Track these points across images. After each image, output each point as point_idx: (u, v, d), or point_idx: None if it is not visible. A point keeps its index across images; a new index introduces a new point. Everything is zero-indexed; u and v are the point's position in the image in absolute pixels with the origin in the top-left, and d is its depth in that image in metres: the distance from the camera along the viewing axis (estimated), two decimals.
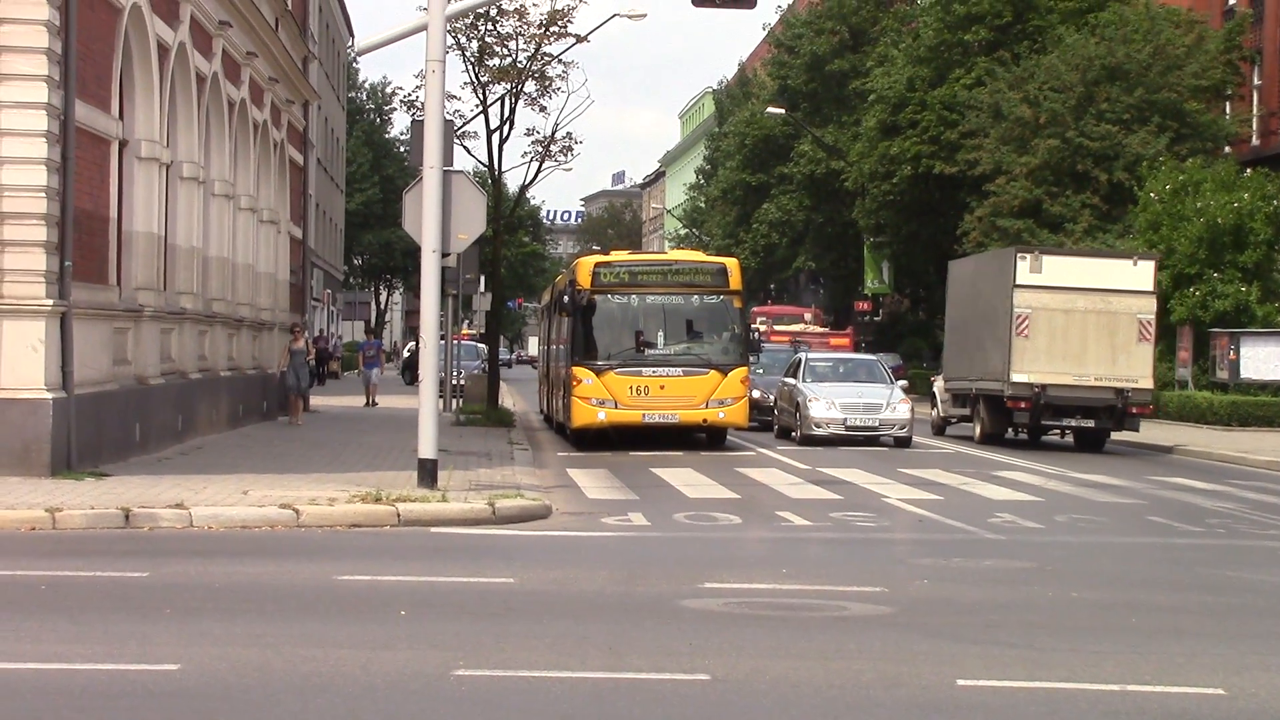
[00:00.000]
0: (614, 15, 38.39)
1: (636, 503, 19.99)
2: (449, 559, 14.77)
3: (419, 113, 35.18)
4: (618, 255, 33.42)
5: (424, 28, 20.20)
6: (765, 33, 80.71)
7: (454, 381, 39.91)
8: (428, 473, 19.28)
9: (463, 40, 35.07)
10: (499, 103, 36.52)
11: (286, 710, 8.47)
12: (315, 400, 40.02)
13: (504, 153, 36.92)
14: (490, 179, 37.52)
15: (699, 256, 33.47)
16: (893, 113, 56.58)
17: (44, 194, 19.33)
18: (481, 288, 44.22)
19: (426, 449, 19.39)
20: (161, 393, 24.79)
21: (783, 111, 66.64)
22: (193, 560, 14.00)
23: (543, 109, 37.19)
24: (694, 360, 29.55)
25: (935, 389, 36.70)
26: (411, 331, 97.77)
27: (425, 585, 12.82)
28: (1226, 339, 40.44)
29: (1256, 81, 50.65)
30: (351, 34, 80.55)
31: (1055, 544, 16.66)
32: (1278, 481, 25.23)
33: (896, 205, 57.96)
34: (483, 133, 36.90)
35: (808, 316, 54.37)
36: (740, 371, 29.60)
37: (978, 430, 33.25)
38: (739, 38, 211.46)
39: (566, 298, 30.30)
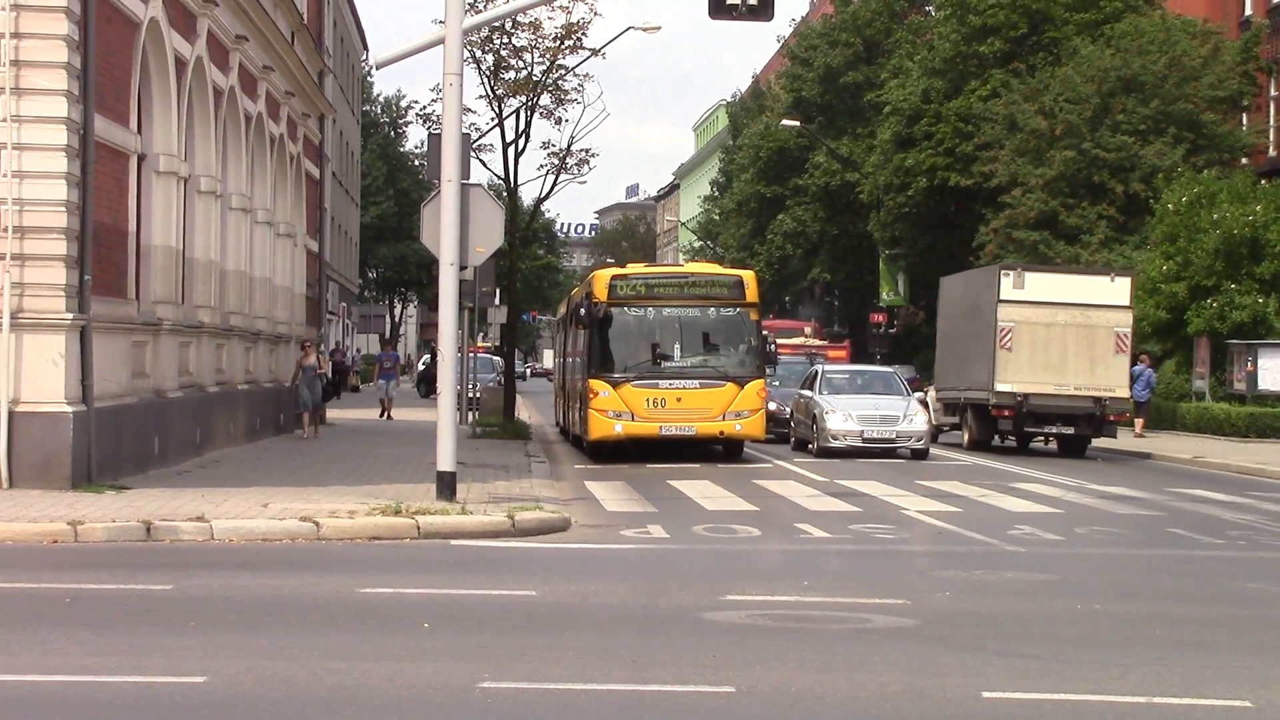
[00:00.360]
0: (629, 28, 38.49)
1: (655, 515, 19.98)
2: (470, 571, 14.77)
3: (435, 126, 35.26)
4: (634, 268, 33.45)
5: (441, 41, 20.21)
6: (779, 45, 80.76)
7: (470, 394, 39.93)
8: (446, 485, 19.27)
9: (478, 54, 35.17)
10: (514, 116, 36.62)
11: None
12: (331, 413, 40.09)
13: (520, 166, 36.97)
14: (506, 192, 37.56)
15: (715, 269, 33.48)
16: (908, 125, 56.59)
17: (64, 208, 19.40)
18: (496, 300, 44.25)
19: (445, 462, 19.39)
20: (180, 406, 24.84)
21: (797, 124, 66.67)
22: (215, 573, 14.02)
23: (558, 122, 37.30)
24: (711, 373, 29.56)
25: (928, 398, 36.88)
26: (426, 344, 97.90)
27: (448, 598, 12.82)
28: (1244, 350, 40.35)
29: (1273, 92, 50.61)
30: (366, 48, 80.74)
31: (1076, 556, 16.63)
32: None
33: (912, 217, 57.96)
34: (498, 146, 37.00)
35: (807, 330, 54.34)
36: (757, 384, 29.60)
37: (966, 437, 34.60)
38: (752, 51, 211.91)
39: (583, 310, 30.32)
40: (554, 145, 38.24)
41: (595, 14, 35.55)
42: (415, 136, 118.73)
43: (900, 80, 59.04)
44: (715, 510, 20.68)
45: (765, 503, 21.84)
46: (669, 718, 8.70)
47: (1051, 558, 16.37)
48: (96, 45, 20.05)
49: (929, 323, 69.12)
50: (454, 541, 16.84)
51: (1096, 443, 33.78)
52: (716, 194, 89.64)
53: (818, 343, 51.10)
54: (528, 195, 55.62)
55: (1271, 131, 50.35)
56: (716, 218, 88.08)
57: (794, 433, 34.14)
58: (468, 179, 21.70)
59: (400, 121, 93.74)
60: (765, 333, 30.92)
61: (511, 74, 35.90)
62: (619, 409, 29.06)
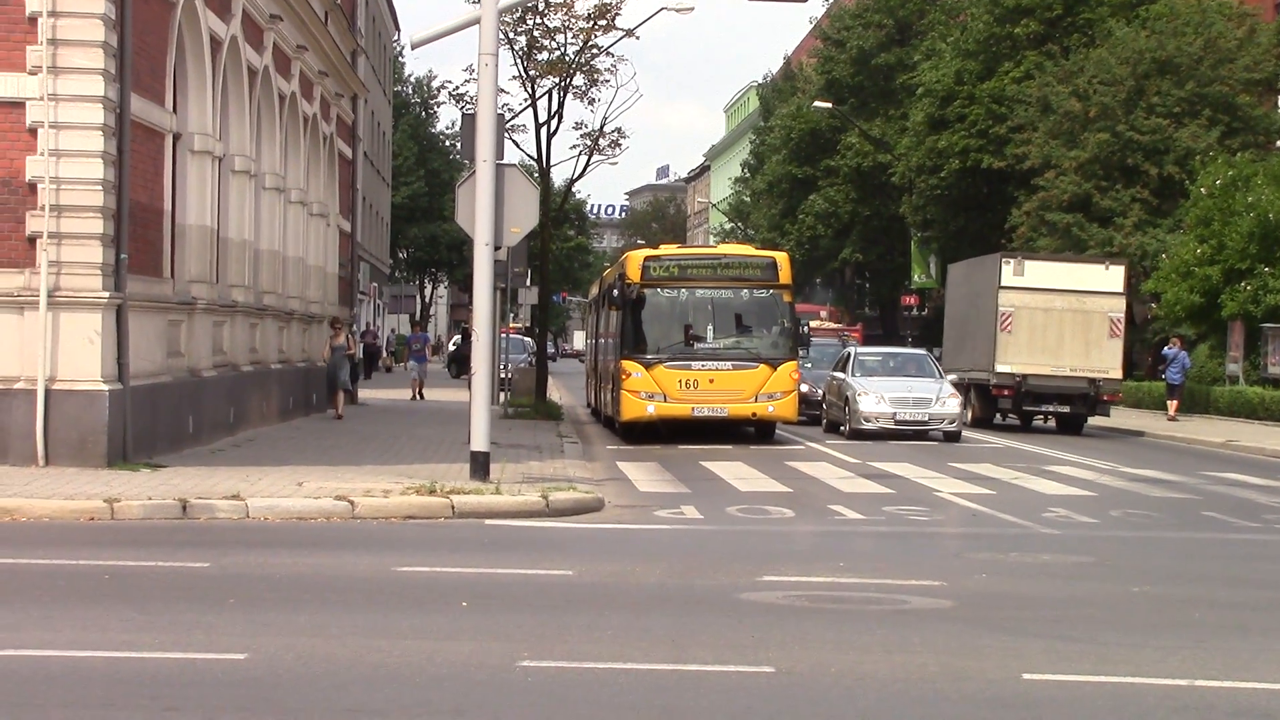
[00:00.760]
0: (661, 9, 38.33)
1: (688, 496, 19.98)
2: (505, 551, 14.79)
3: (468, 106, 35.30)
4: (667, 249, 33.40)
5: (476, 21, 20.20)
6: (811, 26, 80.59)
7: (502, 375, 39.96)
8: (480, 465, 19.30)
9: (511, 34, 35.09)
10: (547, 96, 36.59)
11: (355, 700, 8.49)
12: (362, 394, 40.20)
13: (552, 146, 36.93)
14: (539, 173, 37.54)
15: (748, 250, 33.40)
16: (940, 106, 56.41)
17: (101, 187, 19.46)
18: (528, 281, 44.24)
19: (479, 442, 19.41)
20: (214, 385, 24.92)
21: (830, 105, 66.50)
22: (252, 551, 14.08)
23: (591, 102, 37.25)
24: (743, 354, 29.53)
25: None
26: (457, 325, 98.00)
27: (485, 577, 12.84)
28: (1278, 334, 40.12)
29: None
30: (398, 28, 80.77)
31: (1111, 539, 16.58)
32: None
33: (944, 199, 57.78)
34: (531, 127, 36.99)
35: (823, 314, 54.30)
36: (789, 365, 29.56)
37: (969, 415, 35.51)
38: (784, 32, 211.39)
39: (616, 291, 30.30)
40: (586, 126, 38.23)
41: None
42: (446, 117, 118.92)
43: (933, 62, 58.82)
44: (748, 491, 20.67)
45: (798, 484, 21.83)
46: (709, 698, 8.69)
47: (1086, 540, 16.32)
48: (133, 24, 20.10)
49: None
50: (488, 521, 16.86)
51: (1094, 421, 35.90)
52: (747, 175, 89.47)
53: (834, 326, 51.03)
54: (559, 176, 55.57)
55: None
56: (747, 199, 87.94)
57: (826, 415, 34.10)
58: (501, 159, 21.70)
59: (431, 102, 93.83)
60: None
61: (544, 55, 35.84)
62: (651, 390, 29.05)
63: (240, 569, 12.99)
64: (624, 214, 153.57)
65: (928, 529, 17.37)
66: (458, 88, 42.49)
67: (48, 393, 19.41)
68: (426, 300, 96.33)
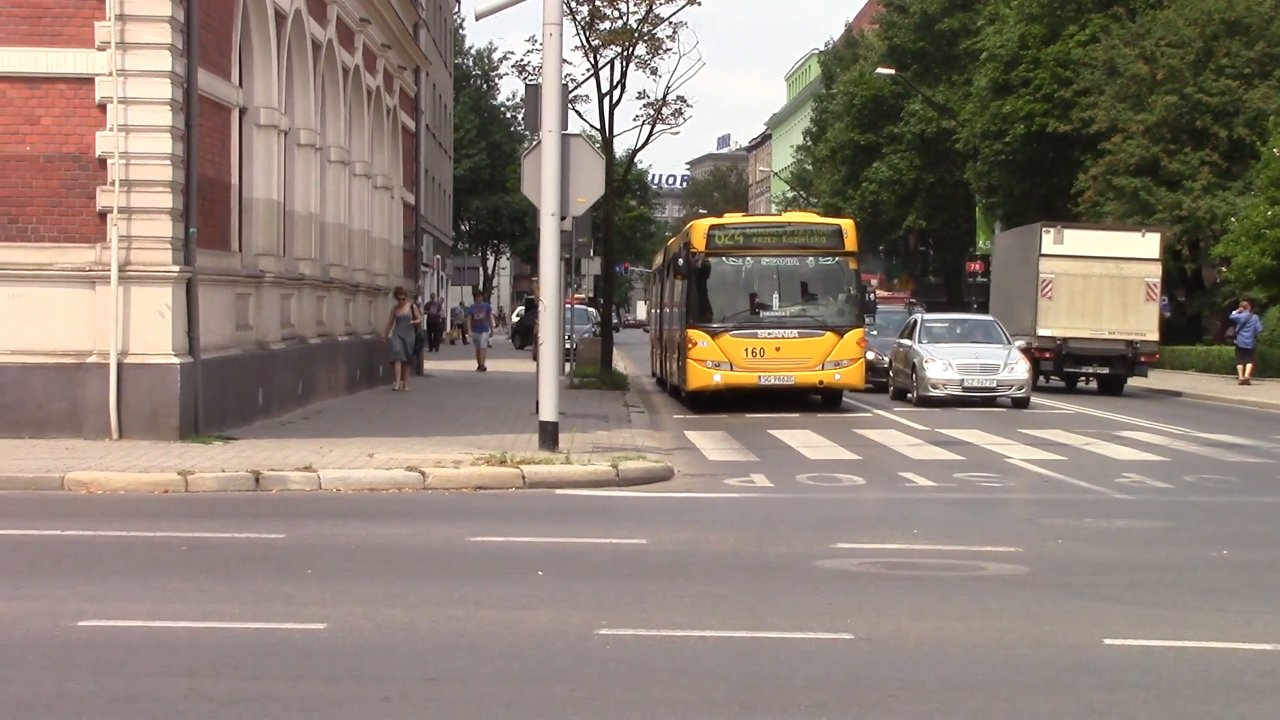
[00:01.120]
0: None
1: (757, 464, 19.93)
2: (578, 520, 14.80)
3: (531, 77, 35.33)
4: (731, 218, 33.27)
5: None
6: None
7: (567, 345, 39.99)
8: (549, 435, 19.32)
9: (573, 4, 35.02)
10: (609, 66, 36.52)
11: (436, 669, 8.51)
12: (428, 365, 40.31)
13: (615, 116, 36.85)
14: (601, 142, 37.47)
15: (813, 218, 33.23)
16: (1005, 71, 55.88)
17: (169, 162, 19.58)
18: (590, 252, 44.18)
19: (548, 412, 19.43)
20: (282, 357, 25.05)
21: (893, 71, 66.07)
22: (326, 522, 14.15)
23: (653, 71, 37.13)
24: (810, 322, 29.38)
25: None
26: (520, 296, 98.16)
27: (558, 546, 12.86)
28: None
29: None
30: (458, 0, 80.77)
31: (1187, 504, 16.41)
32: None
33: (1009, 165, 57.27)
34: (593, 97, 36.92)
35: (874, 282, 54.06)
36: (856, 333, 29.40)
37: None
38: None
39: (681, 260, 30.22)
40: (649, 96, 38.13)
41: None
42: (507, 89, 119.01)
43: (997, 26, 58.28)
44: (817, 459, 20.59)
45: (867, 451, 21.74)
46: (789, 664, 8.66)
47: (1162, 505, 16.17)
48: None
49: None
50: (559, 491, 16.88)
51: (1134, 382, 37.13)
52: (809, 143, 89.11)
53: (883, 294, 50.79)
54: (620, 146, 55.43)
55: None
56: (809, 167, 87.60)
57: (892, 382, 33.93)
58: (566, 130, 21.65)
59: (492, 74, 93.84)
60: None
61: (607, 24, 35.75)
62: (718, 359, 28.97)
63: (315, 540, 13.05)
64: (685, 184, 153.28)
65: (1000, 495, 17.27)
66: (521, 58, 42.26)
67: (120, 366, 19.57)
68: (489, 272, 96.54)
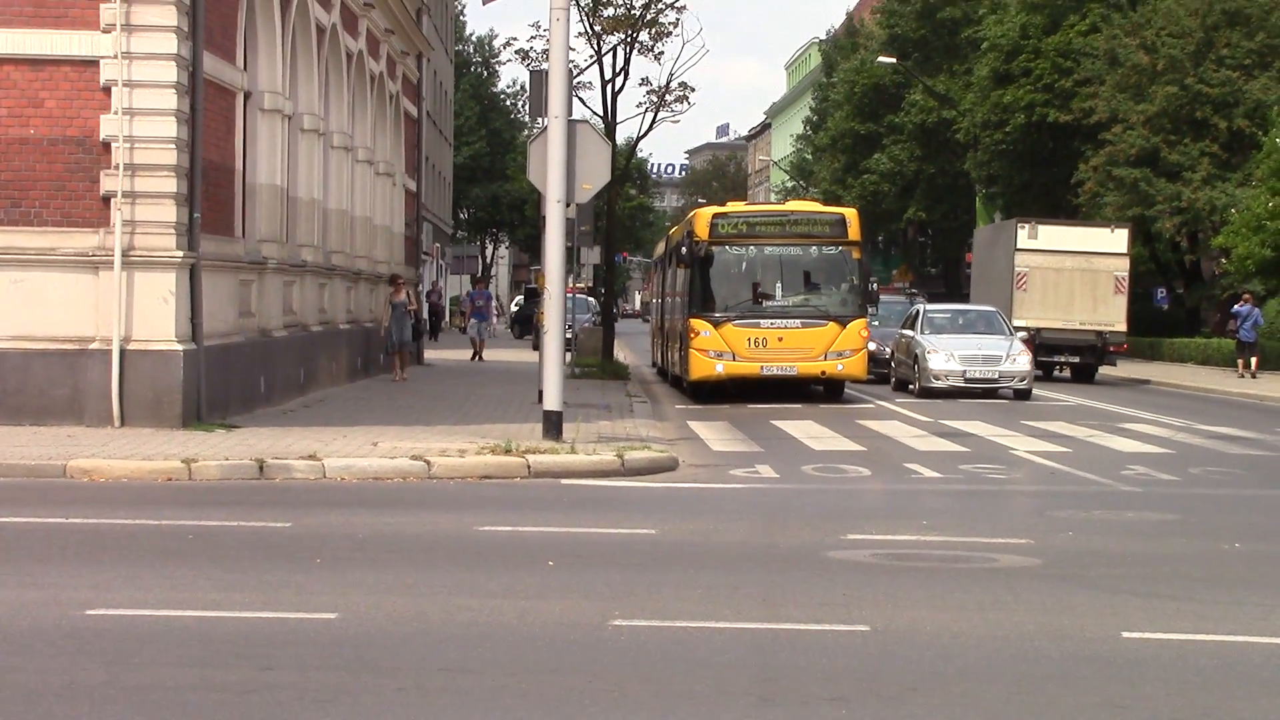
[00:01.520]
0: None
1: (762, 455, 19.86)
2: (585, 510, 14.73)
3: (534, 63, 35.19)
4: (735, 206, 33.16)
5: None
6: None
7: (568, 334, 39.82)
8: (554, 425, 19.25)
9: None
10: (612, 53, 36.40)
11: (450, 659, 8.43)
12: (428, 354, 40.15)
13: (618, 103, 36.74)
14: (604, 130, 37.35)
15: (817, 207, 33.13)
16: (1006, 61, 55.78)
17: (174, 145, 19.44)
18: (591, 240, 44.04)
19: (552, 401, 19.37)
20: (284, 345, 24.95)
21: (894, 60, 65.95)
22: (332, 511, 14.07)
23: (657, 56, 37.00)
24: (812, 312, 29.27)
25: None
26: (518, 285, 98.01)
27: (567, 536, 12.78)
28: None
29: None
30: None
31: (1195, 496, 16.35)
32: None
33: (1009, 155, 57.18)
34: (596, 83, 36.82)
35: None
36: (859, 323, 29.28)
37: None
38: None
39: (684, 249, 30.12)
40: (653, 83, 38.00)
41: None
42: (507, 76, 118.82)
43: (998, 16, 58.17)
44: (822, 450, 20.53)
45: (872, 443, 21.67)
46: (807, 657, 8.59)
47: (1170, 498, 16.11)
48: None
49: None
50: (564, 480, 16.80)
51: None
52: (809, 132, 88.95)
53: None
54: (622, 134, 55.26)
55: None
56: (809, 156, 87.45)
57: (894, 373, 33.86)
58: (571, 115, 21.54)
59: (493, 61, 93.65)
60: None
61: (610, 10, 35.64)
62: (720, 349, 28.87)
63: (322, 529, 12.97)
64: (684, 173, 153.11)
65: (1007, 487, 17.22)
66: (525, 44, 41.83)
67: (123, 353, 19.44)
68: (488, 261, 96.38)
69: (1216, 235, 44.77)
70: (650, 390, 32.47)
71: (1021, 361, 31.16)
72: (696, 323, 29.07)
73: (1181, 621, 9.59)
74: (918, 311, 34.51)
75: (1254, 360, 38.82)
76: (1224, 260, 46.53)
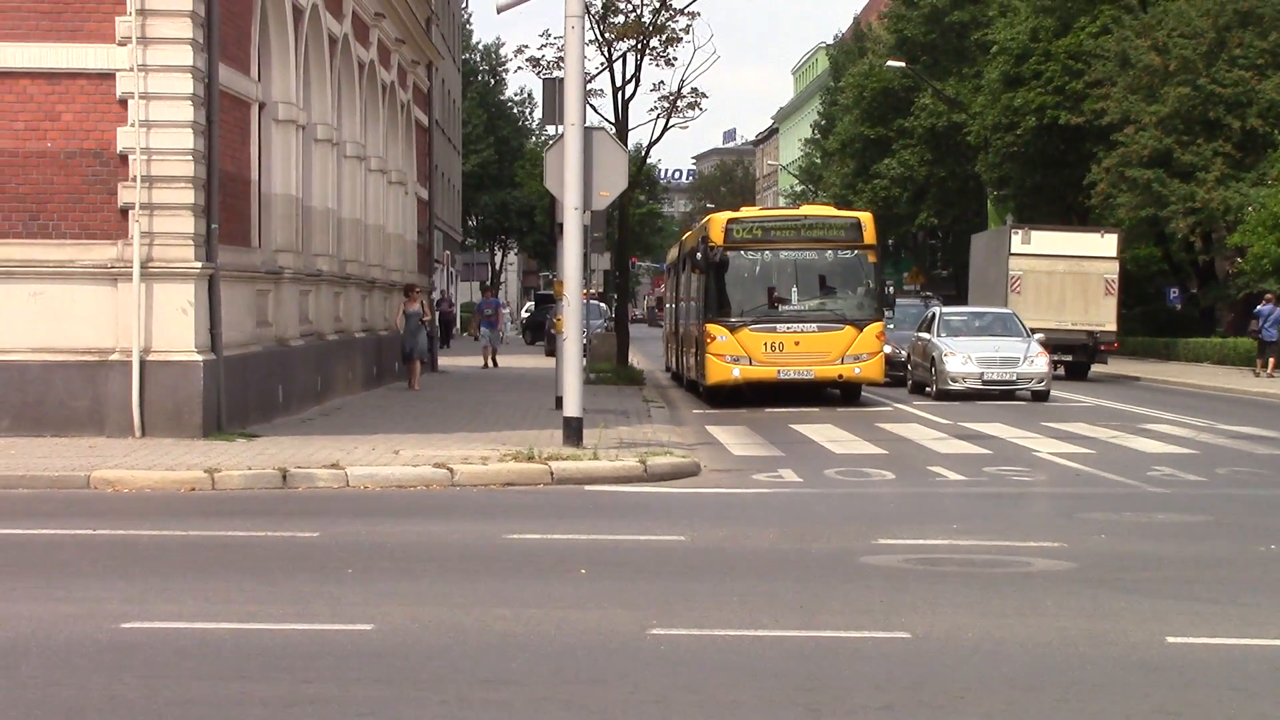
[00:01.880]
0: None
1: (784, 459, 19.77)
2: (612, 517, 14.65)
3: (545, 71, 35.10)
4: (749, 211, 33.09)
5: None
6: None
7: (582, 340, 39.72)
8: (574, 431, 19.17)
9: None
10: (622, 60, 36.35)
11: (490, 670, 8.35)
12: (441, 361, 40.09)
13: (629, 110, 36.66)
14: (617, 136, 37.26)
15: (832, 211, 33.06)
16: (1016, 64, 55.53)
17: (191, 157, 19.42)
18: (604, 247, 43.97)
19: (572, 407, 19.29)
20: (302, 354, 24.91)
21: (903, 64, 65.82)
22: (358, 520, 14.00)
23: (669, 63, 36.93)
24: (829, 316, 29.20)
25: None
26: (528, 292, 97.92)
27: (596, 543, 12.69)
28: None
29: None
30: None
31: (1224, 497, 16.25)
32: None
33: (1020, 157, 56.94)
34: (607, 90, 36.75)
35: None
36: (875, 326, 29.22)
37: None
38: None
39: (699, 254, 30.03)
40: (664, 88, 37.92)
41: None
42: (514, 84, 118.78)
43: (1008, 19, 57.97)
44: (843, 454, 20.44)
45: (892, 446, 21.58)
46: (851, 665, 8.50)
47: (1199, 499, 16.00)
48: None
49: None
50: (588, 487, 16.74)
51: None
52: (818, 136, 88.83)
53: None
54: (632, 140, 55.19)
55: None
56: (818, 161, 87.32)
57: (911, 375, 33.76)
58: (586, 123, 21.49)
59: (500, 69, 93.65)
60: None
61: (620, 18, 35.57)
62: (737, 353, 28.81)
63: (350, 538, 12.89)
64: (691, 178, 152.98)
65: (1033, 489, 17.11)
66: (536, 51, 41.52)
67: (143, 364, 19.42)
68: (497, 267, 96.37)
69: (1232, 234, 44.61)
70: (666, 395, 32.39)
71: (1039, 363, 31.05)
72: (713, 327, 29.01)
73: (1226, 626, 9.49)
74: (934, 314, 34.41)
75: (1271, 361, 38.70)
76: (1239, 260, 46.36)
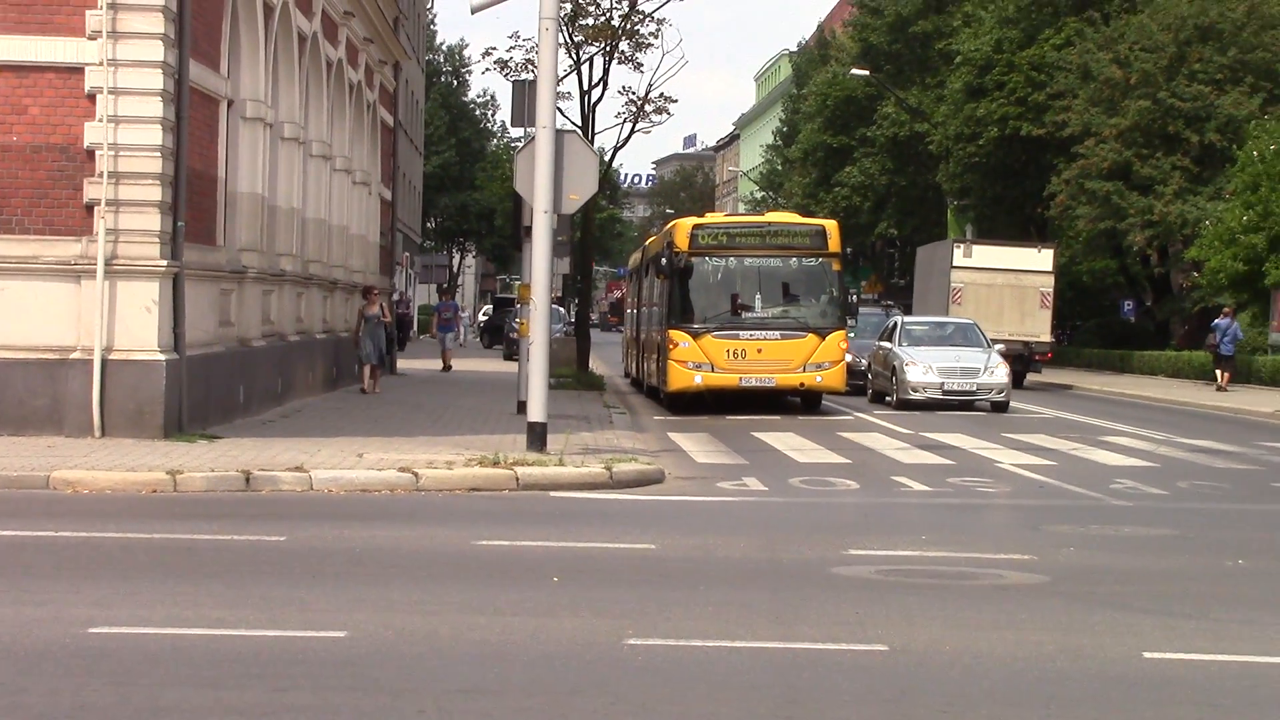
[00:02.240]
0: None
1: (747, 467, 19.76)
2: (580, 524, 14.58)
3: (514, 73, 35.03)
4: (714, 217, 33.08)
5: None
6: None
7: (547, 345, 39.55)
8: (538, 436, 19.09)
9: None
10: (589, 63, 36.30)
11: (466, 680, 8.27)
12: (400, 363, 39.87)
13: (596, 114, 36.59)
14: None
15: (797, 219, 33.04)
16: (979, 75, 55.78)
17: (159, 154, 19.23)
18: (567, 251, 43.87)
19: (536, 413, 19.22)
20: (263, 355, 24.73)
21: (866, 73, 65.96)
22: (324, 524, 13.89)
23: (637, 66, 36.90)
24: (792, 323, 29.19)
25: None
26: (485, 295, 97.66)
27: (567, 551, 12.62)
28: None
29: None
30: None
31: (1187, 510, 16.31)
32: None
33: (981, 168, 57.21)
34: (575, 93, 36.69)
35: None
36: (838, 335, 29.23)
37: None
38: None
39: (663, 259, 29.96)
40: (633, 92, 37.85)
41: None
42: (477, 86, 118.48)
43: (973, 29, 58.19)
44: (806, 463, 20.43)
45: (855, 455, 21.58)
46: (830, 678, 8.45)
47: (1162, 512, 16.05)
48: None
49: None
50: (553, 493, 16.67)
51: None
52: (780, 143, 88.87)
53: None
54: (597, 144, 55.14)
55: None
56: (780, 168, 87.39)
57: (871, 384, 33.79)
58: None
59: (463, 70, 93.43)
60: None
61: (589, 20, 35.51)
62: (699, 360, 28.77)
63: (318, 542, 12.79)
64: (651, 183, 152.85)
65: (998, 501, 17.15)
66: (504, 53, 41.35)
67: (104, 363, 19.19)
68: (455, 270, 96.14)
69: (1188, 248, 44.89)
70: (627, 401, 32.31)
71: (999, 374, 31.12)
72: (675, 334, 28.97)
73: (1201, 641, 9.50)
74: (895, 323, 34.46)
75: (1226, 375, 38.95)
76: (1195, 274, 46.66)
